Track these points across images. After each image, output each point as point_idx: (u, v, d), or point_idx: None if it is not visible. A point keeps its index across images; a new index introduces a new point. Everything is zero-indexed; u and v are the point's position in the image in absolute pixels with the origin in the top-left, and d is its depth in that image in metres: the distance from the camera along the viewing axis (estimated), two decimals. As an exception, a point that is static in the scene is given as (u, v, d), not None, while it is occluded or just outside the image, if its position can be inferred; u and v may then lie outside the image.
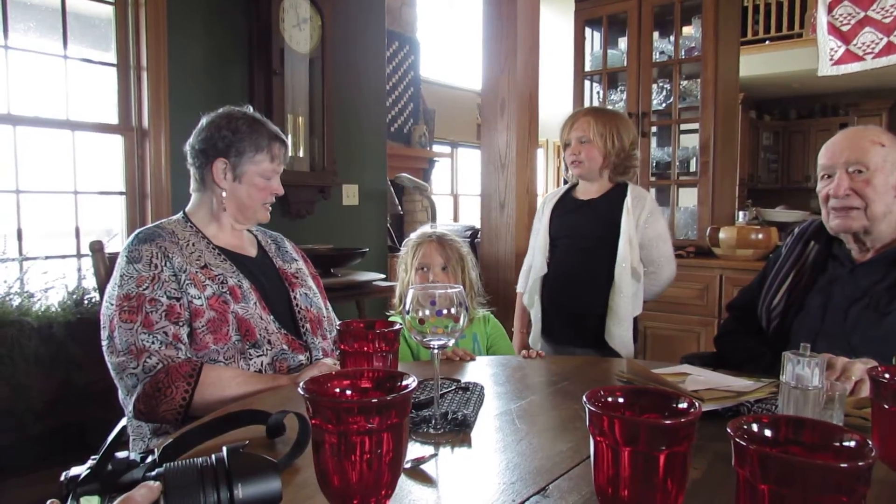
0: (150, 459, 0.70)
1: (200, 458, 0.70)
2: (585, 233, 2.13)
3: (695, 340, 3.17)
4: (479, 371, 1.53)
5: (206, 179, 1.54)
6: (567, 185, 2.28)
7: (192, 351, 1.36)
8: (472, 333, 1.89)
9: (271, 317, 1.47)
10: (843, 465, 0.53)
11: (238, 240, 1.59)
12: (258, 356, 1.42)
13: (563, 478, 0.92)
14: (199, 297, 1.38)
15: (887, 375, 0.80)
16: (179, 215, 1.57)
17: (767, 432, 0.60)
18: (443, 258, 1.83)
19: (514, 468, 0.96)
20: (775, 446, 0.60)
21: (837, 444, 0.58)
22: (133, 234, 1.47)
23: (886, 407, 0.77)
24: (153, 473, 0.66)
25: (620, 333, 2.05)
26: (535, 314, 2.20)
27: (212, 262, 1.46)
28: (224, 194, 1.52)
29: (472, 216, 6.96)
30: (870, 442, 0.56)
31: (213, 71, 2.96)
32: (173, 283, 1.38)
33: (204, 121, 1.56)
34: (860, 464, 0.52)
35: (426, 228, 1.97)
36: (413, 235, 1.94)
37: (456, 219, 7.18)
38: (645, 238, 2.07)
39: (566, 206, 2.21)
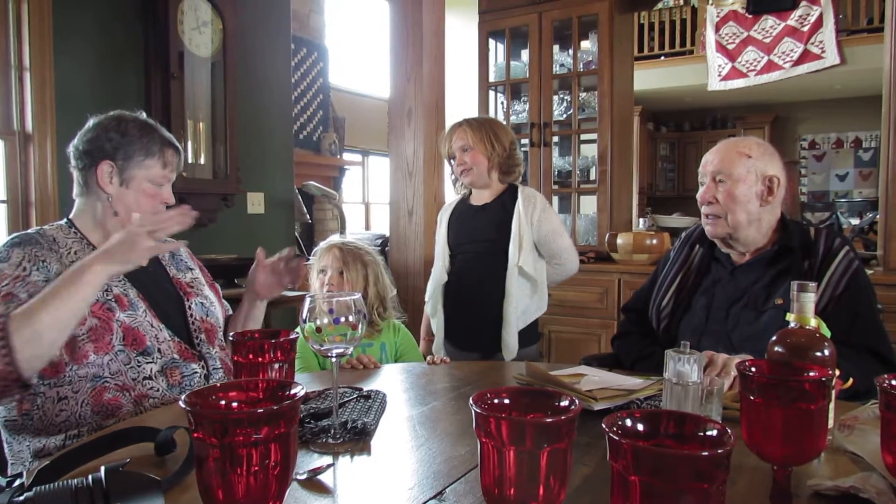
0: (17, 483, 0.66)
1: (76, 480, 0.67)
2: (482, 237, 2.19)
3: (596, 342, 3.29)
4: (384, 379, 1.53)
5: (90, 183, 1.45)
6: (461, 195, 2.33)
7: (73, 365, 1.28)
8: (380, 342, 1.89)
9: (163, 325, 1.42)
10: (703, 453, 0.57)
11: None
12: (147, 363, 1.36)
13: (461, 481, 0.94)
14: None
15: (753, 369, 0.86)
16: (63, 221, 1.48)
17: (640, 427, 0.64)
18: (340, 262, 1.86)
19: (412, 474, 0.97)
20: (647, 440, 0.63)
21: (701, 434, 0.63)
22: (9, 237, 1.37)
23: (752, 398, 0.83)
24: (20, 498, 0.62)
25: (507, 338, 2.12)
26: (439, 322, 2.24)
27: None
28: (110, 200, 1.44)
29: (383, 224, 6.94)
30: (728, 431, 0.61)
31: (106, 73, 2.82)
32: (43, 286, 1.27)
33: (91, 122, 1.48)
34: (718, 451, 0.56)
35: (334, 237, 1.99)
36: (322, 244, 1.96)
37: (368, 227, 7.15)
38: (540, 235, 2.15)
39: (462, 214, 2.27)
